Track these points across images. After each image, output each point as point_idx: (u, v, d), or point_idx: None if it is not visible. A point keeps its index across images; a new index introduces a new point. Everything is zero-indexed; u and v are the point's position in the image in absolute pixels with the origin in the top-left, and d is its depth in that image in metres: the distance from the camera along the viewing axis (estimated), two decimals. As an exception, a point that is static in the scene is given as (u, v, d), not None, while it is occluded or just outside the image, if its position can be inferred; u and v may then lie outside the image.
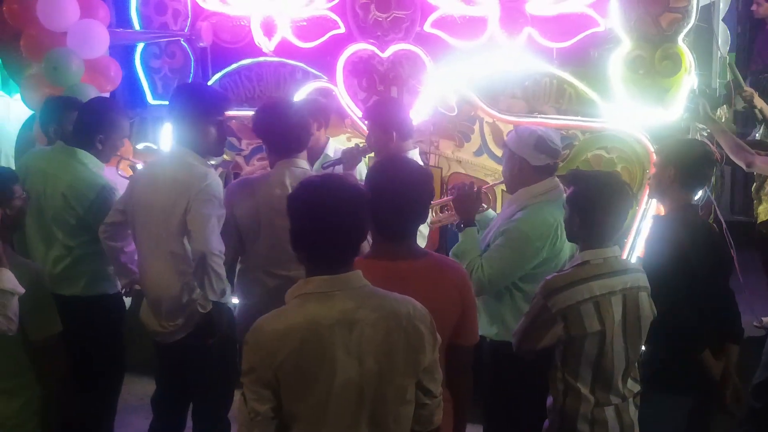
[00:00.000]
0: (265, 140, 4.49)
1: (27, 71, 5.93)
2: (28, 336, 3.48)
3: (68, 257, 4.59)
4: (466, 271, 3.54)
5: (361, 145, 5.20)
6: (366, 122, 5.02)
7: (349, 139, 5.84)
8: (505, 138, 4.35)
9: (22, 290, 3.29)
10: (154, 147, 6.09)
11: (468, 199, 4.16)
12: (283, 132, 4.32)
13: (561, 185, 4.08)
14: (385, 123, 4.75)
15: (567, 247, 3.97)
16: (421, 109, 5.50)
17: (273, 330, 2.56)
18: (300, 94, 5.73)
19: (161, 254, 4.24)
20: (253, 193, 4.31)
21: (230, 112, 5.34)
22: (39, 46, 5.73)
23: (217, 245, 4.04)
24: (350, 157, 4.81)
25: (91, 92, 5.61)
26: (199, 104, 4.28)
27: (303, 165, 4.38)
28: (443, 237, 5.39)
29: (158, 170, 4.42)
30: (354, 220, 2.60)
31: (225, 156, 4.92)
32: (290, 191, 4.23)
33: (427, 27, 5.51)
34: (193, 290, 4.17)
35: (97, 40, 5.78)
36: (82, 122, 4.67)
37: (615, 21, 4.93)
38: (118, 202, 4.48)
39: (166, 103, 6.23)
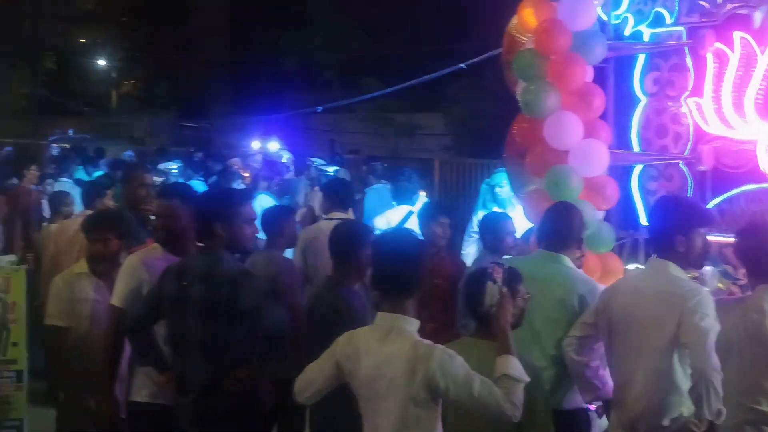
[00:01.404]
0: (744, 262, 4.36)
1: (529, 186, 6.26)
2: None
3: (551, 368, 4.53)
4: None
5: None
6: None
7: None
8: None
9: (527, 379, 3.41)
10: (642, 268, 6.04)
11: None
12: (763, 255, 4.15)
13: None
14: None
15: None
16: None
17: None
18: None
19: (643, 370, 4.09)
20: (728, 315, 4.11)
21: (727, 239, 5.17)
22: (543, 163, 6.00)
23: (717, 362, 3.84)
24: None
25: (587, 209, 5.73)
26: (681, 214, 4.19)
27: None
28: None
29: (639, 283, 4.34)
30: None
31: (719, 285, 4.72)
32: None
33: None
34: (677, 409, 3.97)
35: (598, 159, 5.91)
36: (561, 227, 4.79)
37: None
38: (587, 315, 4.42)
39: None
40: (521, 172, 6.37)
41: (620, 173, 6.42)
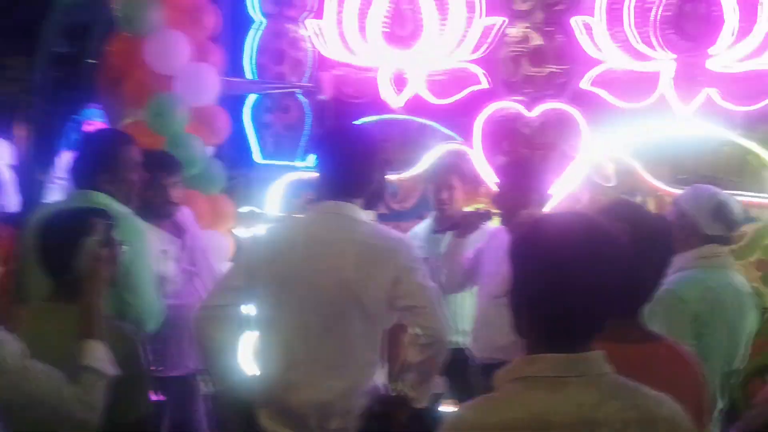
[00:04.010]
0: None
1: (127, 119, 5.42)
2: None
3: None
4: None
5: (481, 209, 4.41)
6: (497, 182, 4.32)
7: (485, 210, 5.16)
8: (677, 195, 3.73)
9: (111, 373, 2.58)
10: (259, 211, 5.57)
11: None
12: None
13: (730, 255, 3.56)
14: (520, 185, 4.05)
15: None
16: (572, 178, 4.91)
17: (482, 426, 1.78)
18: (431, 157, 5.22)
19: (330, 347, 3.10)
20: None
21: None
22: (143, 91, 5.26)
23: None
24: (467, 222, 4.17)
25: (194, 143, 5.10)
26: (368, 146, 3.27)
27: None
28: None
29: (312, 230, 3.21)
30: (616, 276, 1.82)
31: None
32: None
33: (585, 84, 4.94)
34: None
35: (207, 86, 5.31)
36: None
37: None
38: (229, 278, 3.30)
39: (276, 162, 6.01)
40: (118, 103, 5.53)
41: (232, 103, 5.83)
